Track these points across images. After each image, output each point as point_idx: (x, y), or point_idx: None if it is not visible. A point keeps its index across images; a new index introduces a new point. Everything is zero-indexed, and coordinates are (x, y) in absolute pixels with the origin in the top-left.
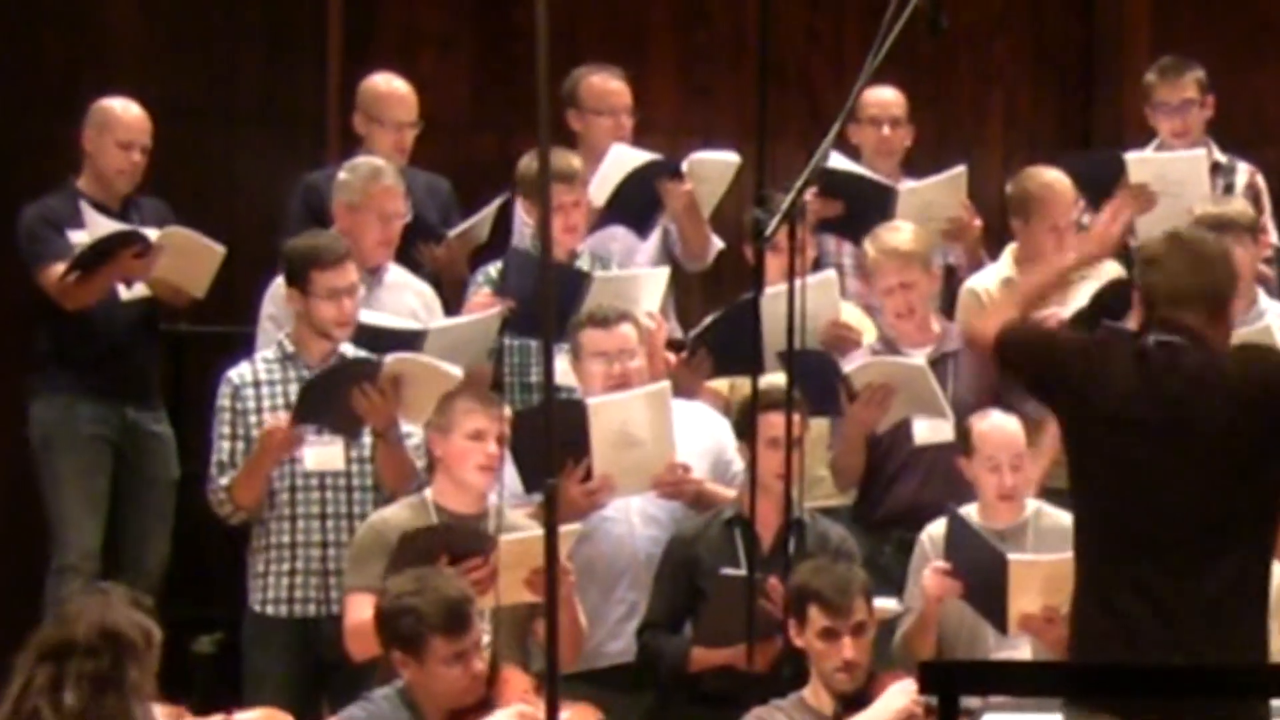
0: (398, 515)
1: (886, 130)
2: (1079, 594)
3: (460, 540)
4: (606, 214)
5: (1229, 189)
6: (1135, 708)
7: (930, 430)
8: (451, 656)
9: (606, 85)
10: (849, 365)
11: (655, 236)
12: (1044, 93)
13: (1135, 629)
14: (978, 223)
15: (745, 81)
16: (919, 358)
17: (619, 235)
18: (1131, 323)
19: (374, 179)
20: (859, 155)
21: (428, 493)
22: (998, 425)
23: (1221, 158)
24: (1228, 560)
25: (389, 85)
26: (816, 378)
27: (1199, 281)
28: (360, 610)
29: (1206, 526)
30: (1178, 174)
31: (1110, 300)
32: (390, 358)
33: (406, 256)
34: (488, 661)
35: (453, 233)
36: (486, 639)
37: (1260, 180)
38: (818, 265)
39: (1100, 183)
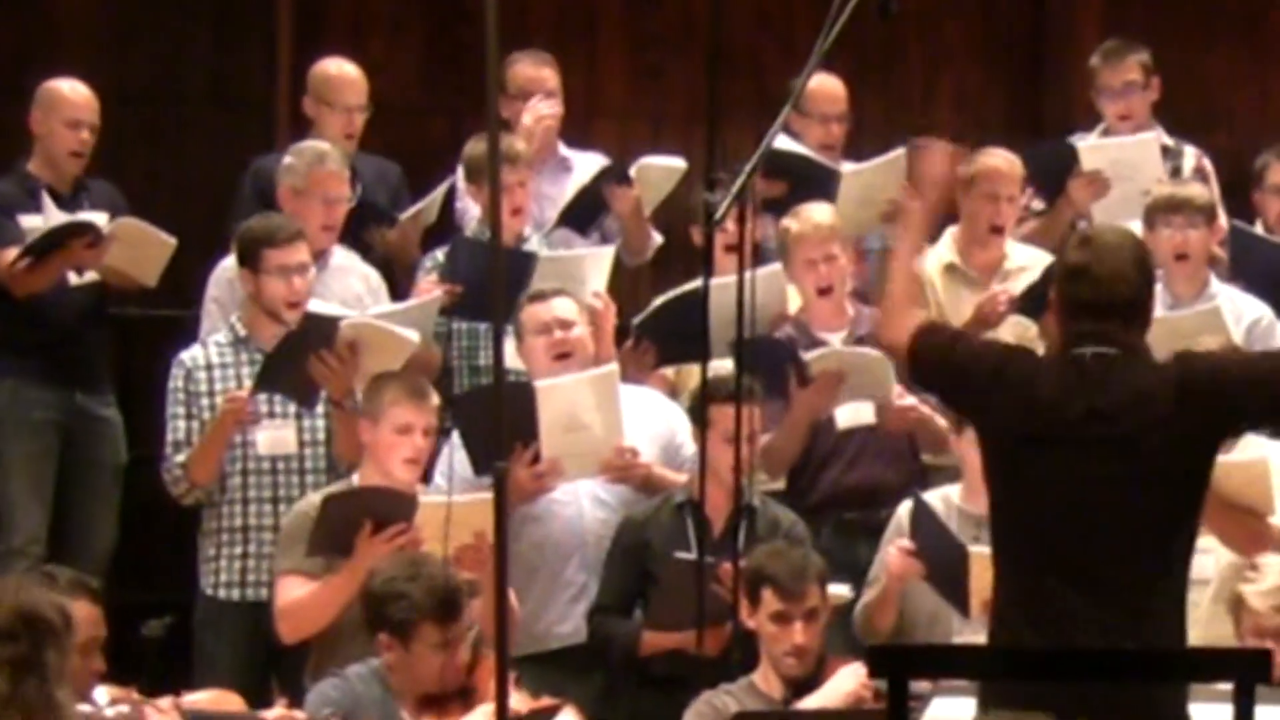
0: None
1: (835, 128)
2: (1000, 608)
3: (383, 506)
4: (559, 224)
5: (1176, 173)
6: (1062, 702)
7: (853, 414)
8: (439, 644)
9: (533, 71)
10: (810, 355)
11: (594, 238)
12: (994, 77)
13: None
14: (916, 203)
15: (695, 64)
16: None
17: (558, 235)
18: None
19: (318, 163)
20: (801, 143)
21: (355, 477)
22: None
23: (1169, 142)
24: (1154, 565)
25: (339, 69)
26: (768, 362)
27: (1118, 287)
28: (290, 592)
29: (1137, 536)
30: (1131, 159)
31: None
32: (346, 321)
33: (358, 240)
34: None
35: (403, 215)
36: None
37: (1207, 164)
38: (759, 249)
39: (1054, 172)
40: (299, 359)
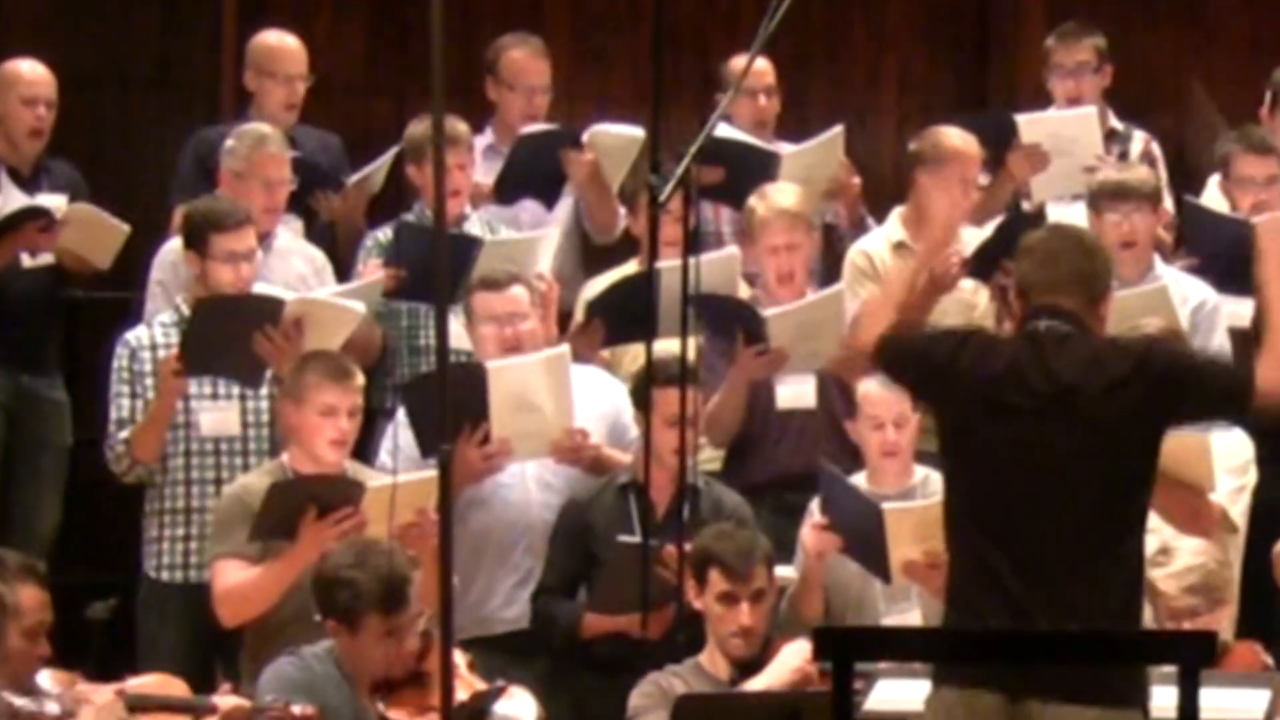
0: (258, 482)
1: (763, 100)
2: (954, 584)
3: (328, 491)
4: (506, 185)
5: (1124, 156)
6: (1013, 682)
7: (794, 397)
8: (385, 633)
9: (525, 61)
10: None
11: (567, 209)
12: (939, 57)
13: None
14: (856, 180)
15: (640, 46)
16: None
17: (528, 206)
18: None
19: (259, 146)
20: (733, 124)
21: (285, 458)
22: (882, 385)
23: (1118, 125)
24: (1107, 537)
25: (279, 39)
26: (726, 316)
27: (1073, 268)
28: (227, 576)
29: (1090, 508)
30: (1069, 132)
31: (1013, 232)
32: (293, 298)
33: (302, 205)
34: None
35: (350, 180)
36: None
37: (1155, 148)
38: (697, 233)
39: (993, 144)
40: (237, 337)
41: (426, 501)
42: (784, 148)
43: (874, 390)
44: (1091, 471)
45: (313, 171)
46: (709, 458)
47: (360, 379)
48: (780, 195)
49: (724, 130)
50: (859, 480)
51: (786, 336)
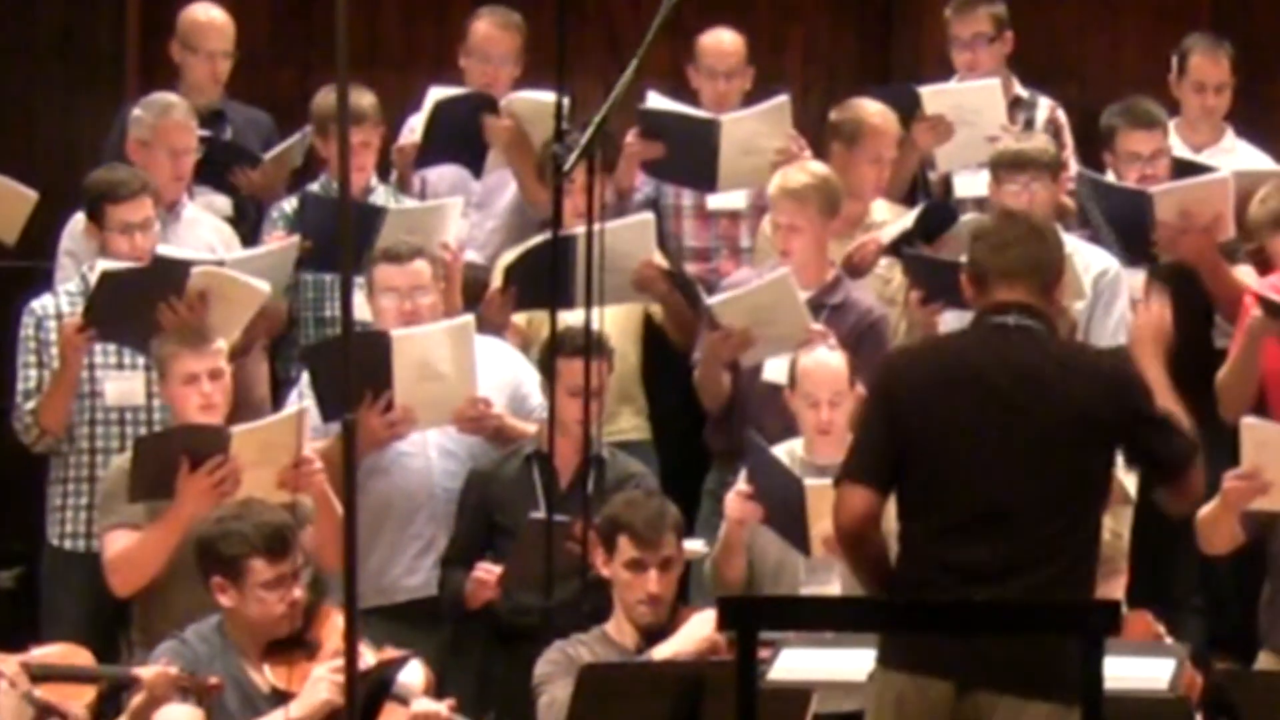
0: None
1: (722, 84)
2: (904, 569)
3: (198, 442)
4: (427, 151)
5: (1030, 124)
6: (964, 670)
7: (781, 370)
8: (271, 580)
9: (495, 32)
10: (714, 299)
11: (512, 193)
12: (843, 27)
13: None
14: (806, 154)
15: (545, 13)
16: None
17: (448, 174)
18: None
19: (165, 114)
20: (698, 100)
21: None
22: (821, 361)
23: (1023, 92)
24: (1062, 531)
25: (206, 14)
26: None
27: (1031, 258)
28: (117, 545)
29: (1043, 505)
30: (973, 103)
31: (932, 220)
32: (198, 269)
33: (223, 181)
34: (307, 594)
35: (268, 155)
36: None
37: (1061, 115)
38: (655, 206)
39: (898, 116)
40: (140, 305)
41: (292, 440)
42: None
43: (811, 366)
44: (1048, 464)
45: (231, 149)
46: (620, 429)
47: (219, 343)
48: (791, 174)
49: (656, 102)
50: (796, 446)
51: (740, 322)
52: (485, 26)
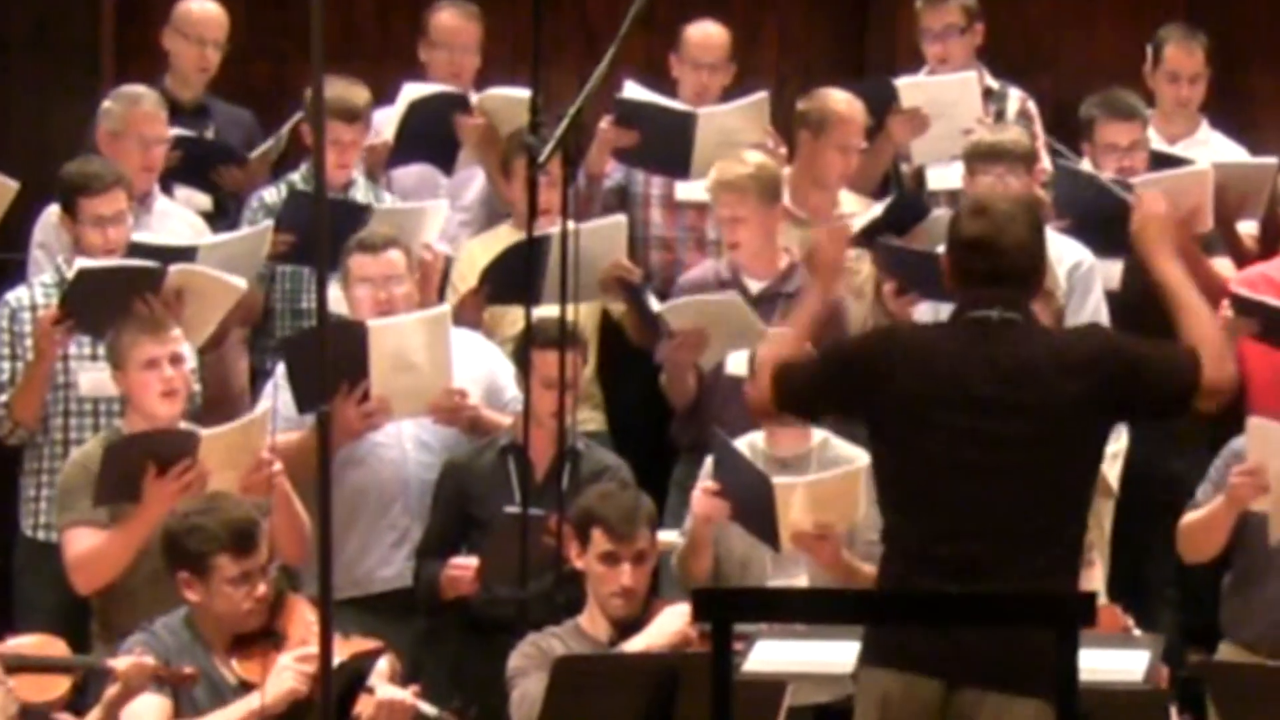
0: (97, 449)
1: (705, 77)
2: (886, 568)
3: (164, 446)
4: (399, 150)
5: (1000, 115)
6: (951, 667)
7: (743, 362)
8: (237, 577)
9: (456, 22)
10: (662, 305)
11: (480, 186)
12: (818, 20)
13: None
14: (782, 151)
15: (520, 7)
16: (756, 291)
17: (413, 172)
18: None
19: (134, 104)
20: (676, 91)
21: (118, 423)
22: None
23: (994, 84)
24: (1049, 524)
25: (200, 5)
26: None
27: (1022, 261)
28: (79, 544)
29: (1031, 495)
30: (949, 96)
31: (903, 213)
32: (174, 268)
33: (206, 180)
34: (273, 588)
35: (253, 154)
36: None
37: (1032, 107)
38: (625, 194)
39: (874, 109)
40: (116, 303)
41: (260, 444)
42: (703, 109)
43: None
44: (1037, 462)
45: (216, 148)
46: (585, 418)
47: (177, 330)
48: (727, 167)
49: (634, 92)
50: (757, 439)
51: (691, 323)
52: (448, 17)
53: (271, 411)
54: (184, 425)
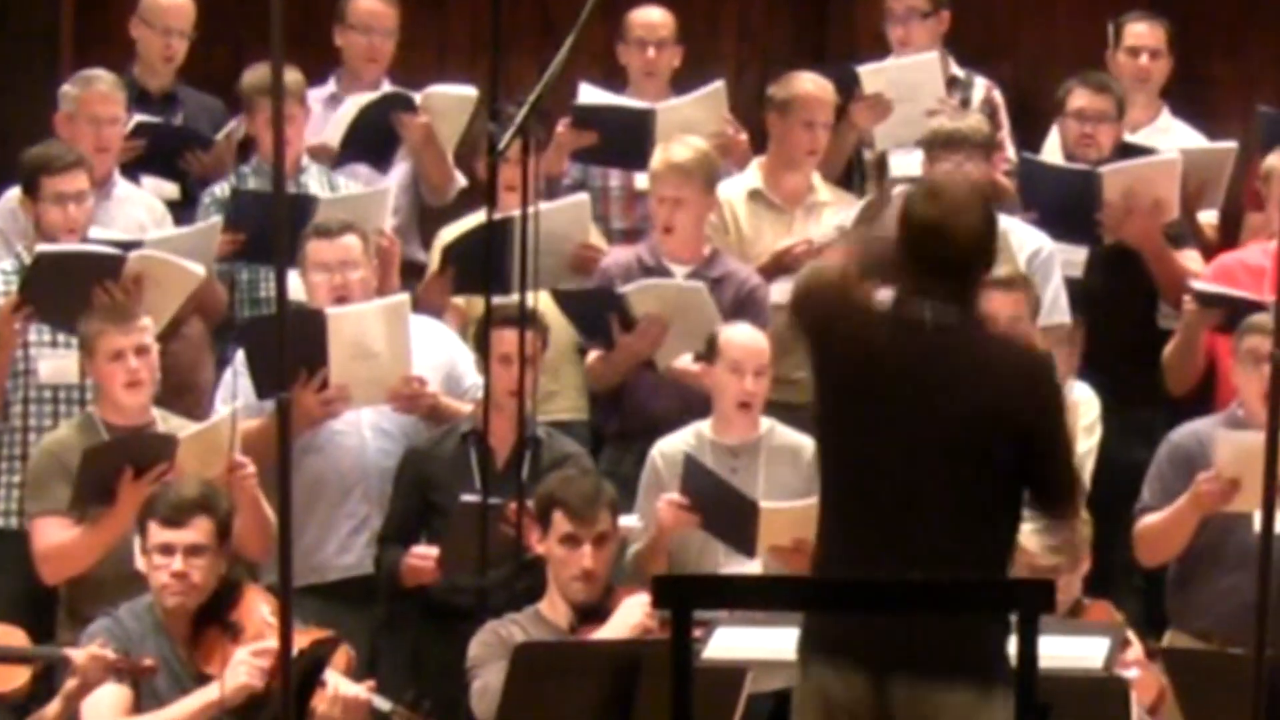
0: (70, 436)
1: (652, 52)
2: (821, 565)
3: (141, 449)
4: (344, 153)
5: (965, 104)
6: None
7: (669, 354)
8: (159, 546)
9: (369, 5)
10: (628, 287)
11: (403, 172)
12: (777, 7)
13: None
14: (743, 137)
15: None
16: (681, 277)
17: (361, 173)
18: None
19: (88, 86)
20: (625, 76)
21: (93, 410)
22: (748, 332)
23: (959, 72)
24: (979, 519)
25: None
26: (592, 310)
27: (971, 250)
28: (48, 536)
29: (960, 490)
30: (911, 79)
31: (872, 214)
32: (134, 254)
33: (172, 167)
34: (228, 578)
35: (219, 135)
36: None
37: (997, 95)
38: (584, 187)
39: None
40: (75, 292)
41: (224, 442)
42: (663, 103)
43: (737, 336)
44: (964, 459)
45: (182, 133)
46: (559, 409)
47: (144, 320)
48: (674, 149)
49: (591, 95)
50: (704, 428)
51: (654, 309)
52: (367, 2)
53: (233, 412)
54: (157, 413)
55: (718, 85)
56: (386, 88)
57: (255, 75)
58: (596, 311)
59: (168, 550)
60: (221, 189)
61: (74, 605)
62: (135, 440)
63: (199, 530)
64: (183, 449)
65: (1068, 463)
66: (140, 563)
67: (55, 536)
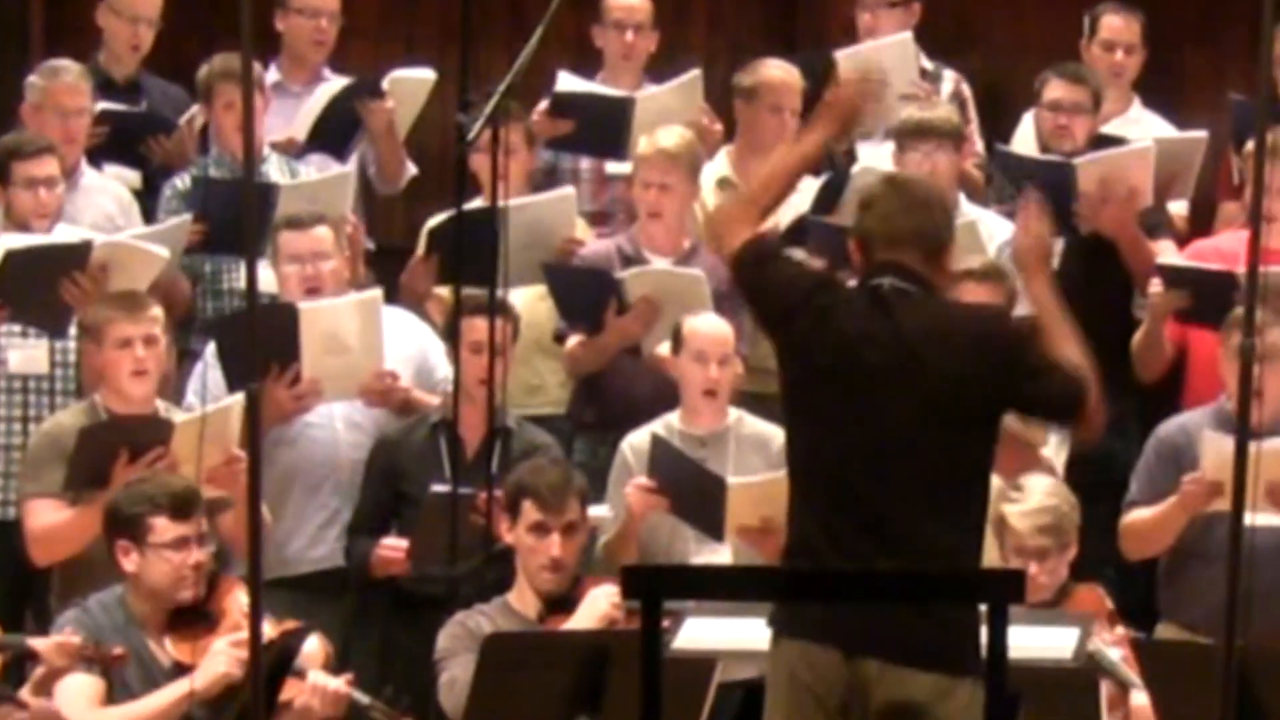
0: (71, 420)
1: (630, 36)
2: (793, 543)
3: (137, 433)
4: (310, 144)
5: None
6: (850, 639)
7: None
8: (173, 540)
9: None
10: (625, 272)
11: (350, 161)
12: None
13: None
14: (718, 126)
15: None
16: (697, 270)
17: (314, 160)
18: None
19: (54, 77)
20: (597, 65)
21: (97, 397)
22: (712, 321)
23: (928, 65)
24: (947, 504)
25: None
26: (586, 293)
27: (915, 223)
28: (43, 516)
29: (929, 474)
30: (885, 62)
31: (830, 199)
32: (99, 241)
33: (134, 155)
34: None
35: (182, 119)
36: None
37: (966, 88)
38: (553, 173)
39: (811, 83)
40: (43, 285)
41: (233, 438)
42: (641, 91)
43: (701, 325)
44: (933, 432)
45: (145, 119)
46: (541, 402)
47: (155, 310)
48: (661, 135)
49: (570, 84)
50: (673, 419)
51: (649, 291)
52: None
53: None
54: (161, 405)
55: (694, 74)
56: (328, 75)
57: (211, 64)
58: (587, 293)
59: (182, 543)
60: (183, 180)
61: (66, 591)
62: (134, 422)
63: (201, 520)
64: (179, 434)
65: (1061, 370)
66: (127, 562)
67: (48, 518)
